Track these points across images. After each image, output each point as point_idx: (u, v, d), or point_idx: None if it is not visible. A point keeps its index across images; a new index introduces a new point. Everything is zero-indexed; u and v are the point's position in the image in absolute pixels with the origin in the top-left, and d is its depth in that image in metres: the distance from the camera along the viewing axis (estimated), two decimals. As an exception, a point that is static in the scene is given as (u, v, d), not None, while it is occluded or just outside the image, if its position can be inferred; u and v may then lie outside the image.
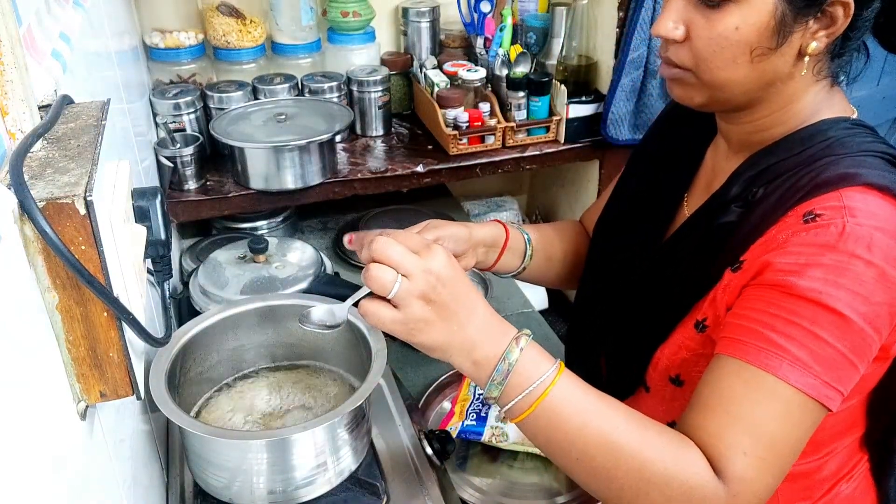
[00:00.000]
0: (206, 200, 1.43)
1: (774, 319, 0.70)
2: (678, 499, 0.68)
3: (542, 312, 1.57)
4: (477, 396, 1.20)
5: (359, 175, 1.50)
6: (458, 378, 1.26)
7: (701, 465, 0.68)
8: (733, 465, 0.68)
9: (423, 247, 0.70)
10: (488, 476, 1.10)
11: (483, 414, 1.16)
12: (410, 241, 0.70)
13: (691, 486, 0.67)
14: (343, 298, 0.80)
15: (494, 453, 1.14)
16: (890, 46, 0.81)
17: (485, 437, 1.13)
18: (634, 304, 0.88)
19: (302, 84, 1.60)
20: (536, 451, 1.11)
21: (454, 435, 1.12)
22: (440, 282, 0.68)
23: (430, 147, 1.61)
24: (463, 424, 1.15)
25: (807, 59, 0.75)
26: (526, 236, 1.03)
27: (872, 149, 0.76)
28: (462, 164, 1.56)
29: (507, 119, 1.58)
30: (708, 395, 0.71)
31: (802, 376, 0.69)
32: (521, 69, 1.57)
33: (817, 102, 0.80)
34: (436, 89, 1.59)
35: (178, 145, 1.40)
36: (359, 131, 1.68)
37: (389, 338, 0.80)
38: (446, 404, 1.22)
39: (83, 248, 0.50)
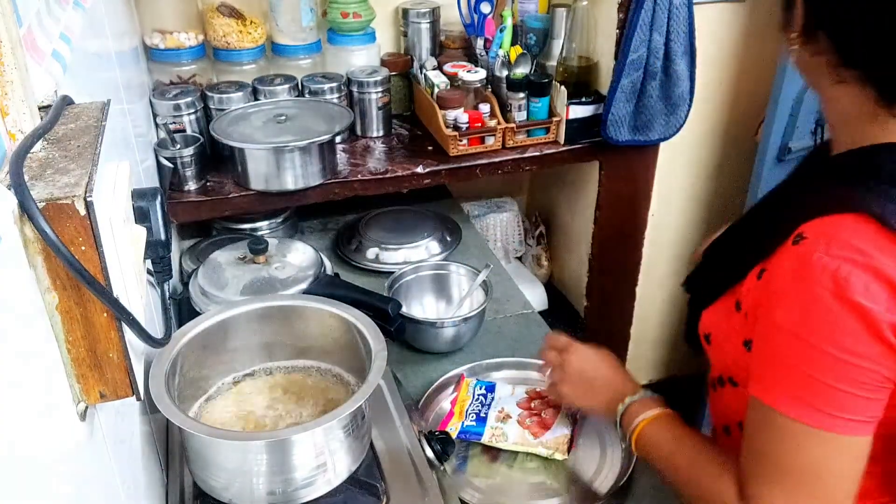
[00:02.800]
0: (206, 201, 1.43)
1: (767, 354, 0.75)
2: None
3: (542, 313, 1.57)
4: (476, 397, 1.20)
5: (359, 176, 1.51)
6: (457, 379, 1.26)
7: (728, 489, 0.80)
8: (752, 488, 0.77)
9: (563, 346, 1.09)
10: (488, 477, 1.10)
11: (483, 414, 1.16)
12: (560, 344, 1.10)
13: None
14: (342, 298, 0.80)
15: (494, 454, 1.14)
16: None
17: (485, 438, 1.13)
18: (707, 270, 0.95)
19: (302, 85, 1.61)
20: (536, 451, 1.11)
21: (454, 436, 1.12)
22: (564, 371, 1.07)
23: (430, 148, 1.61)
24: (463, 425, 1.15)
25: (791, 46, 0.77)
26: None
27: None
28: (462, 164, 1.56)
29: (507, 120, 1.58)
30: (745, 433, 0.80)
31: (798, 408, 0.72)
32: (521, 70, 1.57)
33: (863, 118, 0.75)
34: (436, 90, 1.59)
35: (179, 146, 1.40)
36: (359, 132, 1.68)
37: (389, 338, 0.80)
38: (446, 405, 1.22)
39: (83, 248, 0.50)
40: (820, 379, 0.70)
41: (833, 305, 0.68)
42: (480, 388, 1.22)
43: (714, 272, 0.90)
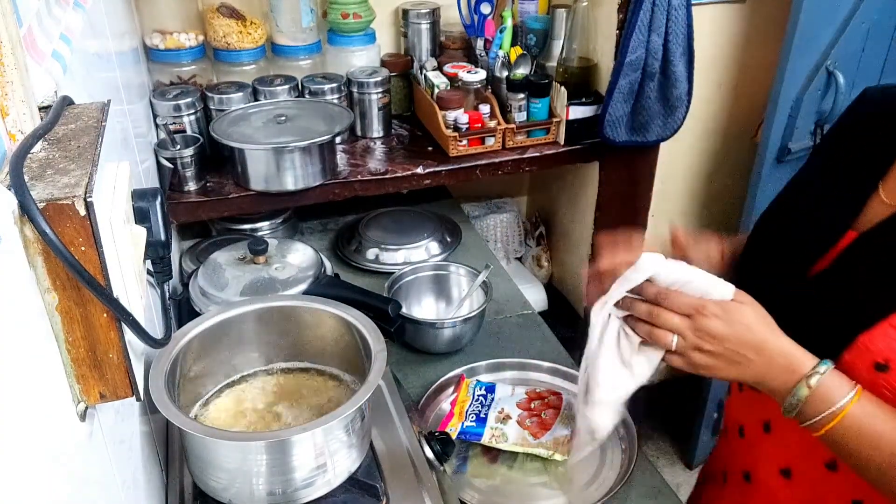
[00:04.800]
0: (205, 202, 1.43)
1: None
2: None
3: (542, 314, 1.57)
4: (476, 398, 1.20)
5: (359, 176, 1.51)
6: (457, 379, 1.26)
7: None
8: None
9: (695, 307, 0.83)
10: (488, 477, 1.10)
11: (482, 415, 1.16)
12: (681, 305, 0.83)
13: None
14: (342, 299, 0.80)
15: (494, 454, 1.14)
16: None
17: (484, 439, 1.13)
18: (839, 289, 0.85)
19: (302, 85, 1.61)
20: (536, 451, 1.11)
21: (454, 436, 1.12)
22: (710, 336, 0.82)
23: (430, 148, 1.61)
24: (462, 425, 1.15)
25: None
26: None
27: None
28: (462, 165, 1.56)
29: (507, 121, 1.58)
30: None
31: None
32: (521, 71, 1.57)
33: None
34: (436, 91, 1.59)
35: (179, 146, 1.40)
36: (359, 133, 1.68)
37: (389, 339, 0.80)
38: (445, 405, 1.22)
39: (83, 249, 0.50)
40: None
41: None
42: (480, 389, 1.22)
43: (865, 289, 0.81)
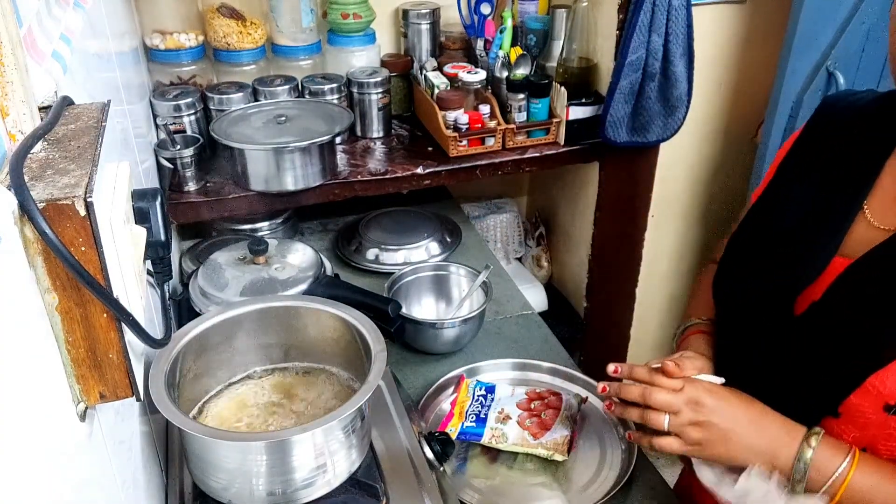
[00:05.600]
0: (205, 202, 1.43)
1: None
2: None
3: (542, 314, 1.57)
4: (476, 398, 1.20)
5: (359, 177, 1.51)
6: (456, 380, 1.26)
7: None
8: None
9: (683, 385, 0.85)
10: (488, 478, 1.10)
11: (482, 415, 1.16)
12: (671, 384, 0.85)
13: None
14: (342, 299, 0.80)
15: (494, 454, 1.14)
16: None
17: (484, 439, 1.13)
18: (830, 328, 0.81)
19: (302, 86, 1.61)
20: (536, 451, 1.11)
21: (454, 437, 1.12)
22: (703, 409, 0.83)
23: (430, 149, 1.61)
24: (462, 426, 1.15)
25: None
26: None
27: None
28: (462, 165, 1.56)
29: (507, 121, 1.58)
30: None
31: None
32: (522, 71, 1.57)
33: None
34: (436, 91, 1.59)
35: (179, 147, 1.40)
36: (359, 133, 1.68)
37: (389, 339, 0.80)
38: (446, 406, 1.22)
39: (83, 249, 0.50)
40: None
41: None
42: (480, 389, 1.22)
43: (871, 324, 0.77)
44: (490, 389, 1.22)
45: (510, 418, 1.16)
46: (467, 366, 1.29)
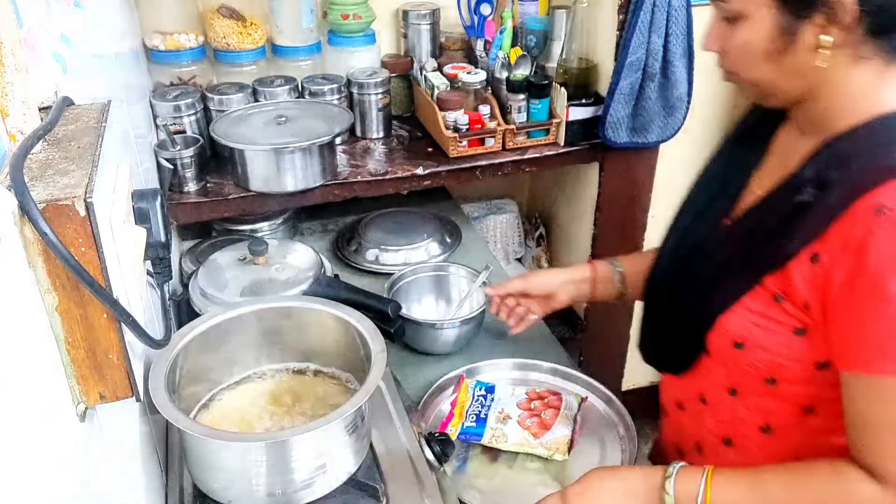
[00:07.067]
0: (206, 202, 1.43)
1: (878, 326, 0.74)
2: None
3: (542, 315, 1.56)
4: (476, 398, 1.20)
5: (359, 177, 1.51)
6: (456, 380, 1.26)
7: (860, 482, 0.77)
8: (890, 468, 0.76)
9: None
10: (488, 478, 1.10)
11: (483, 415, 1.16)
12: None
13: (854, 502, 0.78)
14: (342, 300, 0.80)
15: (494, 454, 1.14)
16: None
17: (485, 439, 1.13)
18: (702, 275, 0.92)
19: (302, 86, 1.61)
20: (536, 451, 1.11)
21: (454, 437, 1.12)
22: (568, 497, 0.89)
23: (430, 149, 1.61)
24: (463, 426, 1.15)
25: (824, 51, 0.77)
26: (615, 265, 1.18)
27: None
28: (462, 166, 1.56)
29: (506, 121, 1.58)
30: (853, 415, 0.79)
31: None
32: (521, 72, 1.57)
33: (880, 87, 0.79)
34: (436, 91, 1.59)
35: (179, 147, 1.40)
36: (359, 133, 1.68)
37: (388, 340, 0.80)
38: (446, 406, 1.22)
39: (83, 249, 0.50)
40: None
41: None
42: (480, 390, 1.22)
43: (722, 274, 0.88)
44: (490, 389, 1.22)
45: (510, 418, 1.16)
46: (467, 366, 1.29)
